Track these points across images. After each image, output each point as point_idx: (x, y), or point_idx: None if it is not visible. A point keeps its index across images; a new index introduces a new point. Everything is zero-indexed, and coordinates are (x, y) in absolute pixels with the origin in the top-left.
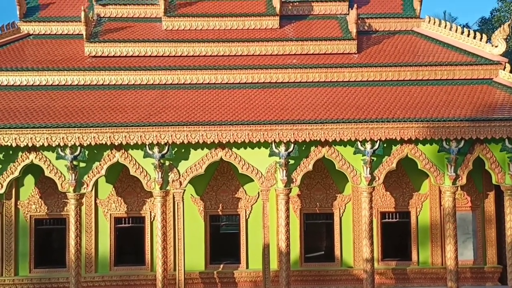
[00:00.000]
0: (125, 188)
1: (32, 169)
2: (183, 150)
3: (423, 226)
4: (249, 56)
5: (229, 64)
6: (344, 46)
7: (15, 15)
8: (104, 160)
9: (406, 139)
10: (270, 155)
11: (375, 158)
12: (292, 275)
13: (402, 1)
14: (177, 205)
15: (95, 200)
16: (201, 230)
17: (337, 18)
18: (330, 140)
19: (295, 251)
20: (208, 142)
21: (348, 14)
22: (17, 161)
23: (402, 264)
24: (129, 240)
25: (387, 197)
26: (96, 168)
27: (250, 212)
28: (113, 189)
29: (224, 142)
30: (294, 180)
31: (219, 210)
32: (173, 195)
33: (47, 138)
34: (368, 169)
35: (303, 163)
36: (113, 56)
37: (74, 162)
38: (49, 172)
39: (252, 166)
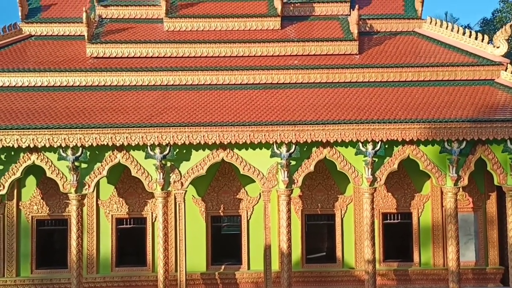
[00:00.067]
0: (127, 189)
1: (34, 170)
2: (184, 151)
3: (425, 227)
4: (251, 57)
5: (231, 65)
6: (345, 47)
7: (17, 16)
8: (105, 161)
9: (407, 140)
10: (271, 156)
11: (376, 159)
12: (293, 276)
13: (403, 2)
14: (179, 206)
15: (97, 201)
16: (203, 231)
17: (339, 19)
18: (332, 141)
19: (297, 252)
20: (210, 143)
21: (349, 15)
22: (19, 162)
23: (403, 265)
24: (131, 241)
25: (388, 198)
26: (98, 169)
27: (252, 213)
28: (115, 190)
29: (225, 143)
30: (296, 181)
31: (220, 211)
32: (175, 196)
33: (48, 139)
34: (370, 170)
35: (305, 164)
36: (115, 57)
37: (76, 163)
38: (51, 173)
39: (254, 167)
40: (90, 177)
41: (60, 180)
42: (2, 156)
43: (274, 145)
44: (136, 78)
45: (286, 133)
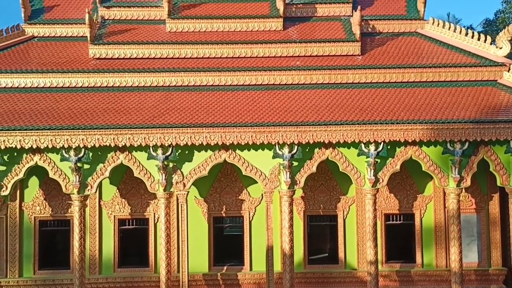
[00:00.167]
0: (129, 190)
1: (37, 170)
2: (186, 152)
3: (427, 228)
4: (253, 58)
5: (233, 66)
6: (347, 48)
7: (20, 17)
8: (108, 162)
9: (410, 141)
10: (273, 157)
11: (379, 160)
12: (295, 277)
13: (406, 3)
14: (181, 207)
15: (99, 201)
16: (205, 232)
17: (341, 20)
18: (334, 142)
19: (299, 253)
20: (212, 144)
21: (351, 15)
22: (21, 163)
23: (406, 266)
24: (133, 242)
25: (391, 199)
26: (100, 170)
27: (254, 214)
28: (117, 190)
29: (227, 144)
30: (298, 182)
31: (222, 212)
32: (177, 197)
33: (51, 140)
34: (372, 171)
35: (307, 165)
36: (117, 58)
37: (78, 164)
38: (53, 174)
39: (256, 168)
40: (92, 178)
41: (63, 181)
42: (5, 157)
43: (276, 146)
44: (139, 79)
45: (288, 134)
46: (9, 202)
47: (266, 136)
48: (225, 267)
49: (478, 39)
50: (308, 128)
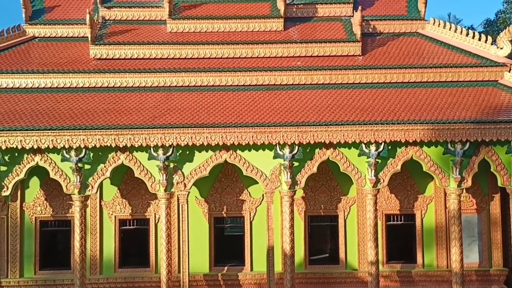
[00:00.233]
0: (130, 190)
1: (37, 171)
2: (187, 152)
3: (428, 229)
4: (254, 58)
5: (234, 66)
6: (348, 48)
7: (21, 17)
8: (108, 162)
9: (411, 141)
10: (274, 157)
11: (379, 160)
12: (296, 278)
13: (406, 3)
14: (182, 207)
15: (100, 202)
16: (206, 232)
17: (342, 20)
18: (335, 142)
19: (300, 253)
20: (213, 144)
21: (352, 16)
22: (22, 163)
23: (407, 267)
24: (134, 242)
25: (392, 199)
26: (101, 170)
27: (255, 214)
28: (118, 191)
29: (228, 144)
30: (299, 182)
31: (223, 212)
32: (178, 197)
33: (52, 140)
34: (373, 171)
35: (308, 165)
36: (118, 59)
37: (79, 164)
38: (54, 174)
39: (257, 168)
40: (93, 178)
41: (64, 181)
42: (6, 157)
43: (277, 146)
44: (139, 80)
45: (289, 134)
46: (10, 203)
47: (267, 137)
48: (225, 268)
49: (479, 40)
50: (309, 129)
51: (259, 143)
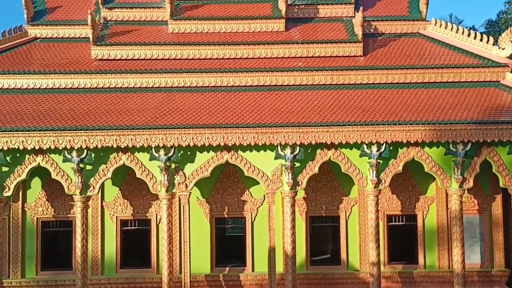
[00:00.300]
0: (131, 190)
1: (39, 171)
2: (189, 153)
3: (430, 229)
4: (255, 59)
5: (235, 67)
6: (350, 48)
7: (23, 18)
8: (110, 162)
9: (412, 141)
10: (276, 158)
11: (381, 161)
12: (298, 278)
13: (408, 4)
14: (183, 207)
15: (101, 202)
16: (207, 233)
17: (343, 20)
18: (336, 143)
19: (301, 254)
20: (214, 145)
21: (354, 16)
22: (24, 164)
23: (408, 268)
24: (135, 243)
25: (393, 200)
26: (103, 171)
27: (256, 215)
28: (119, 191)
29: (230, 144)
30: (300, 183)
31: (224, 213)
32: (179, 198)
33: (54, 141)
34: (374, 172)
35: (309, 166)
36: (120, 59)
37: (81, 165)
38: (56, 175)
39: (258, 169)
40: (95, 179)
41: (65, 181)
42: (8, 158)
43: (279, 147)
44: (141, 80)
45: (290, 134)
46: (11, 203)
47: (268, 137)
48: (227, 268)
49: (481, 40)
50: (310, 129)
51: (260, 144)
